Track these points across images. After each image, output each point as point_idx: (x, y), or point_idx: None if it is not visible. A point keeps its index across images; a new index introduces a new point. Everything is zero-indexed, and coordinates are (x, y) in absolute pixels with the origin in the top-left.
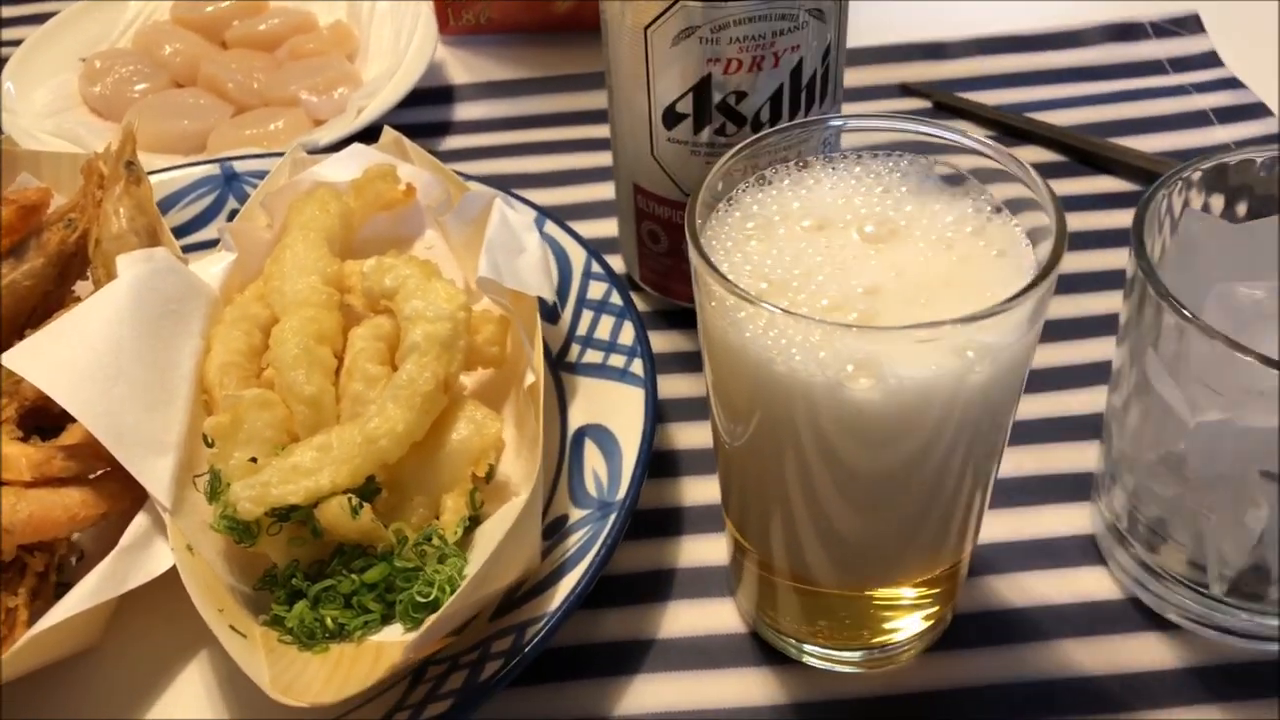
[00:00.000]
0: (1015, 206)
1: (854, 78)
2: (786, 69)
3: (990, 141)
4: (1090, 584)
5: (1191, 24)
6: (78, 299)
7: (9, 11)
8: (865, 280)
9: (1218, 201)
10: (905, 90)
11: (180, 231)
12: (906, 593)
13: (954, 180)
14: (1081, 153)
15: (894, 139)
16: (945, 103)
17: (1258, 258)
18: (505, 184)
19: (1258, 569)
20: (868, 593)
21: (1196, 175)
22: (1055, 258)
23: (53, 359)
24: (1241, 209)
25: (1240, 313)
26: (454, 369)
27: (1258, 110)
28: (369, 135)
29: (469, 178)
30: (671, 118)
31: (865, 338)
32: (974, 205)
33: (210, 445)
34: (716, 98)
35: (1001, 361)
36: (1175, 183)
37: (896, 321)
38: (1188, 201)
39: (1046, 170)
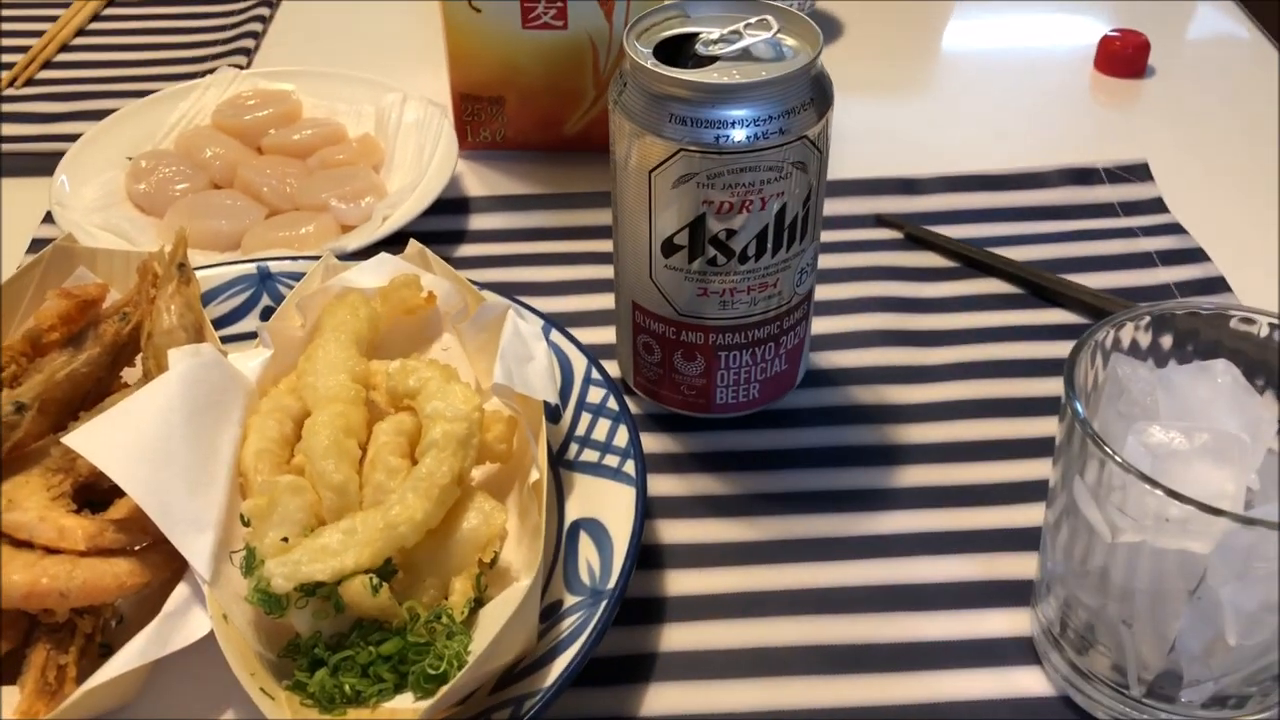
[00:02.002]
0: None
1: (835, 208)
2: (772, 211)
3: None
4: (1027, 683)
5: (1141, 172)
6: (125, 385)
7: (64, 107)
8: None
9: (1147, 346)
10: (880, 221)
11: (218, 323)
12: None
13: None
14: (1035, 286)
15: None
16: (915, 234)
17: (1174, 401)
18: (514, 290)
19: (1171, 673)
20: None
21: (1128, 323)
22: None
23: (110, 442)
24: (1168, 356)
25: (1155, 449)
26: (468, 465)
27: (1197, 255)
28: (393, 241)
29: (482, 285)
30: (669, 248)
31: None
32: None
33: (247, 524)
34: (709, 233)
35: None
36: (1106, 329)
37: None
38: (1118, 344)
39: (1003, 301)
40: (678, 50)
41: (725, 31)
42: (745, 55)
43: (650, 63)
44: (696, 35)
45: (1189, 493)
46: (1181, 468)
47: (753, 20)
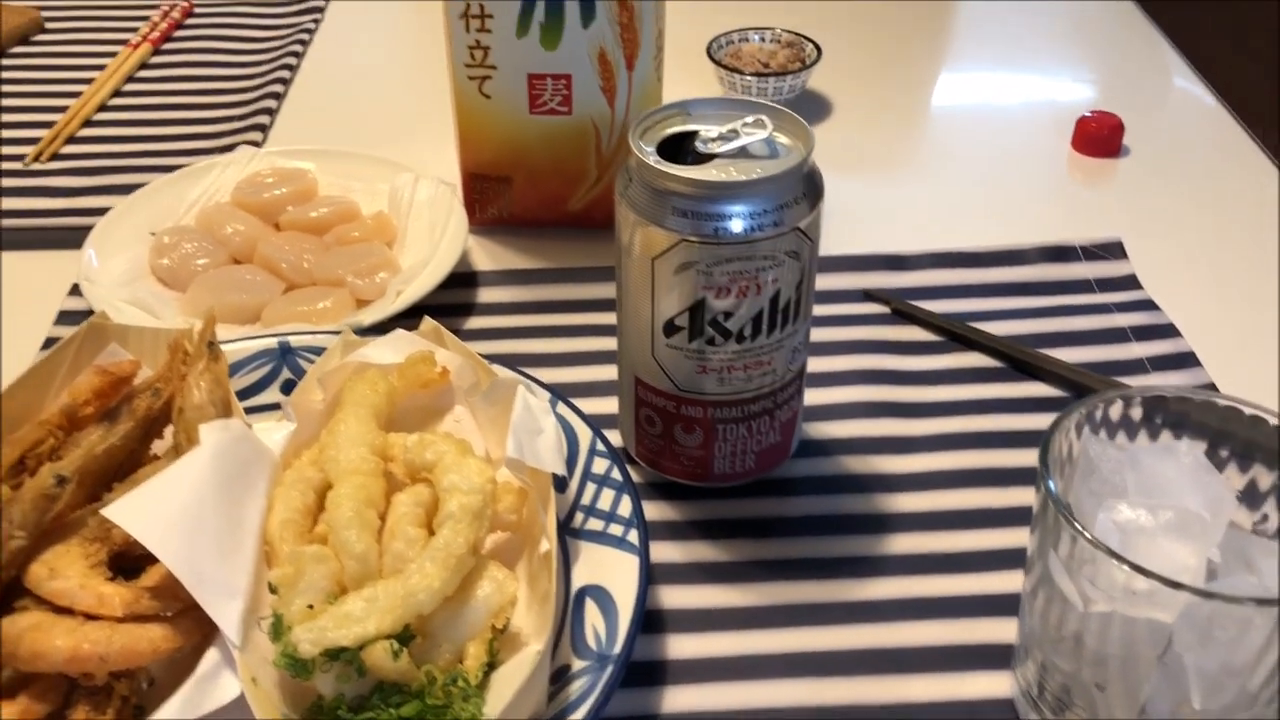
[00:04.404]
0: None
1: (824, 282)
2: (767, 296)
3: None
4: None
5: (1116, 250)
6: (155, 457)
7: (88, 182)
8: None
9: (1118, 421)
10: (867, 296)
11: (241, 395)
12: None
13: None
14: (1015, 360)
15: None
16: (901, 309)
17: (1141, 479)
18: (521, 361)
19: None
20: None
21: (1100, 405)
22: None
23: (146, 513)
24: (1140, 437)
25: (1123, 526)
26: (482, 535)
27: (1168, 331)
28: (407, 314)
29: (490, 356)
30: (670, 329)
31: None
32: None
33: (274, 592)
34: (708, 316)
35: None
36: (1078, 412)
37: None
38: (1090, 424)
39: (985, 375)
40: (679, 147)
41: (724, 130)
42: (742, 153)
43: (653, 160)
44: (696, 133)
45: (1154, 567)
46: (1147, 543)
47: (749, 120)
